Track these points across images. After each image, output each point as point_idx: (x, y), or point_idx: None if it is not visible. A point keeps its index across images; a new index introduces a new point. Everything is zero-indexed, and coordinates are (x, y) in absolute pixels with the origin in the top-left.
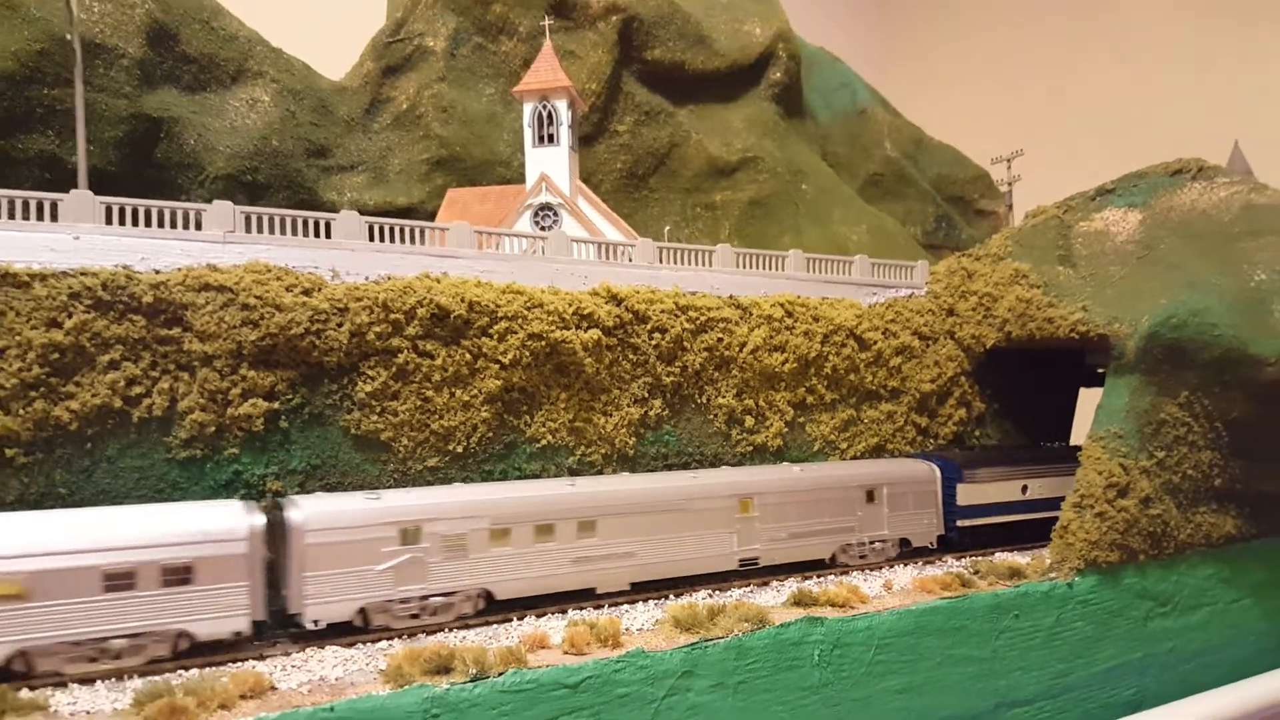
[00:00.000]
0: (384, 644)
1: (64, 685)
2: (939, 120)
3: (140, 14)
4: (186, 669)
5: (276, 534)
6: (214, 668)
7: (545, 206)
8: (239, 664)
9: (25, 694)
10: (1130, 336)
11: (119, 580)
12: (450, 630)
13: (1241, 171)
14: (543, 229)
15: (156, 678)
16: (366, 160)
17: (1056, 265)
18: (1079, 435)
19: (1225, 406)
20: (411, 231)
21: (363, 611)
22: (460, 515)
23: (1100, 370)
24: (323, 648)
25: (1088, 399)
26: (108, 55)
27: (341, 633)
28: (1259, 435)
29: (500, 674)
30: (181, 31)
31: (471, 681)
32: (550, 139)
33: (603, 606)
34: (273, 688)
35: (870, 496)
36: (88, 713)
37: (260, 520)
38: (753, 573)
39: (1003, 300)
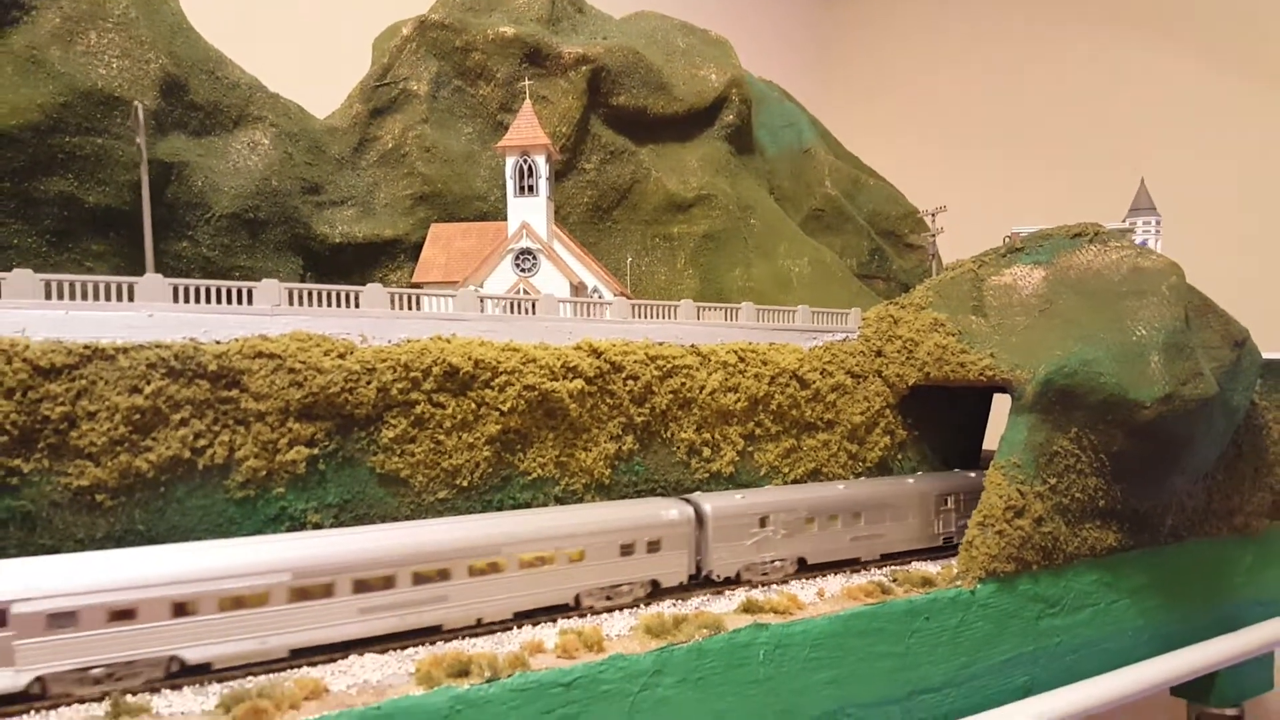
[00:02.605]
0: (412, 650)
1: (157, 692)
2: (875, 154)
3: (154, 68)
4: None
5: (697, 520)
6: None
7: (525, 251)
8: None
9: (130, 699)
10: (1029, 382)
11: (627, 548)
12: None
13: (1147, 207)
14: (523, 270)
15: (234, 684)
16: (355, 195)
17: (970, 315)
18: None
19: (1108, 441)
20: (421, 299)
21: (738, 572)
22: (790, 508)
23: None
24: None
25: (1000, 403)
26: (125, 108)
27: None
28: (1136, 464)
29: (509, 675)
30: (190, 82)
31: (486, 682)
32: (530, 189)
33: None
34: (327, 690)
35: None
36: (183, 714)
37: (691, 512)
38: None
39: (923, 345)
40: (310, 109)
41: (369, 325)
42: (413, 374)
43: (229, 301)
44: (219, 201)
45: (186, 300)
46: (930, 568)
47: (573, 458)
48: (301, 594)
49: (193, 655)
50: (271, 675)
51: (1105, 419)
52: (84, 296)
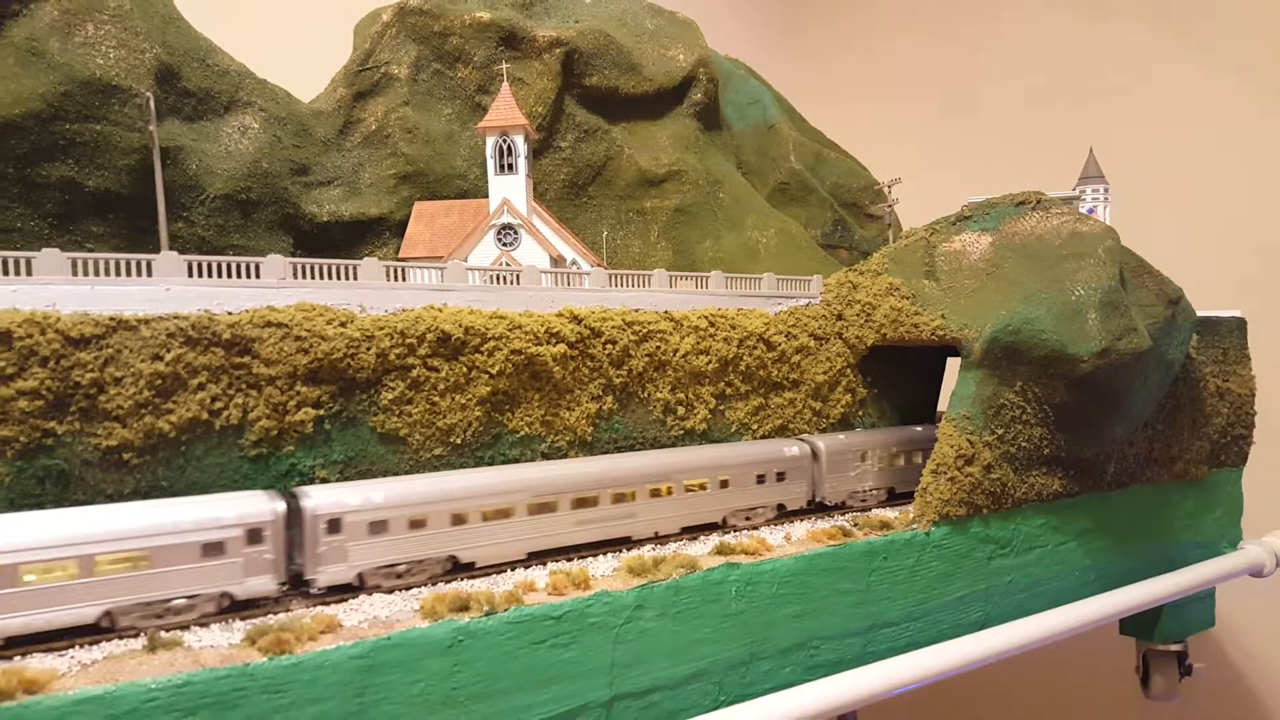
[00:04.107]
0: (415, 590)
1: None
2: (838, 127)
3: (149, 57)
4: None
5: (813, 455)
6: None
7: (507, 227)
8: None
9: (164, 635)
10: (977, 340)
11: (761, 477)
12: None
13: (1095, 175)
14: (505, 244)
15: (258, 620)
16: (341, 175)
17: (923, 279)
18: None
19: (1050, 393)
20: (413, 272)
21: (844, 499)
22: (884, 446)
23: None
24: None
25: (954, 367)
26: (122, 95)
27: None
28: (1077, 415)
29: (505, 609)
30: (183, 70)
31: (485, 616)
32: (510, 168)
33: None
34: (340, 624)
35: None
36: (213, 646)
37: (809, 449)
38: None
39: (880, 308)
40: (296, 94)
41: (367, 296)
42: (408, 340)
43: (238, 276)
44: (212, 184)
45: (200, 275)
46: (889, 513)
47: (557, 417)
48: (536, 509)
49: (464, 555)
50: (290, 612)
51: (1047, 372)
52: (107, 273)
